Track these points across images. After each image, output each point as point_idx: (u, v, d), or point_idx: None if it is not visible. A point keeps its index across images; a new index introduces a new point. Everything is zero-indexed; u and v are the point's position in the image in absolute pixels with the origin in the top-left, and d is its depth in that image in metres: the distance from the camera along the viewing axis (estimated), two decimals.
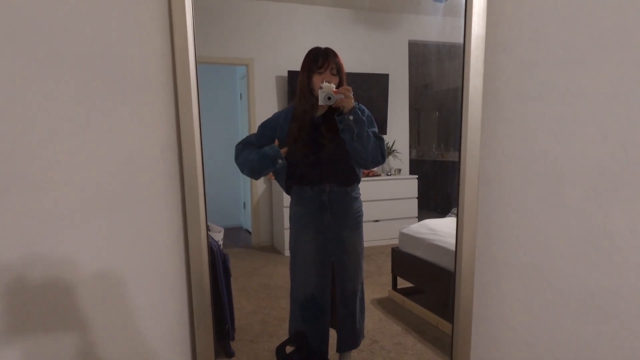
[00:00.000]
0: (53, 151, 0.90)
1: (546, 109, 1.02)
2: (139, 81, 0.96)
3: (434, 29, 1.58)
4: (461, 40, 1.10)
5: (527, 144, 1.07)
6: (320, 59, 1.30)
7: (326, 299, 1.46)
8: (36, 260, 0.91)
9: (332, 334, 1.50)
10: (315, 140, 1.35)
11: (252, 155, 1.37)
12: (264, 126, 1.39)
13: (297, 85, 1.35)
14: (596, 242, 0.96)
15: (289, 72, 1.56)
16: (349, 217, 1.43)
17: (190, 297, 1.07)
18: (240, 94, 1.67)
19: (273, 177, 1.60)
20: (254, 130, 1.58)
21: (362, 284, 1.50)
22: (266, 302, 1.61)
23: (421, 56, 1.67)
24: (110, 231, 0.97)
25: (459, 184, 1.11)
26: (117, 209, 0.97)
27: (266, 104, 1.58)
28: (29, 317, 0.92)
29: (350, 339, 1.51)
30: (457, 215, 1.14)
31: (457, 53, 1.13)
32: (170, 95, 1.00)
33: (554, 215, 1.03)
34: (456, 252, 1.15)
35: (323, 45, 1.32)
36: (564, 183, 1.01)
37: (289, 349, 1.43)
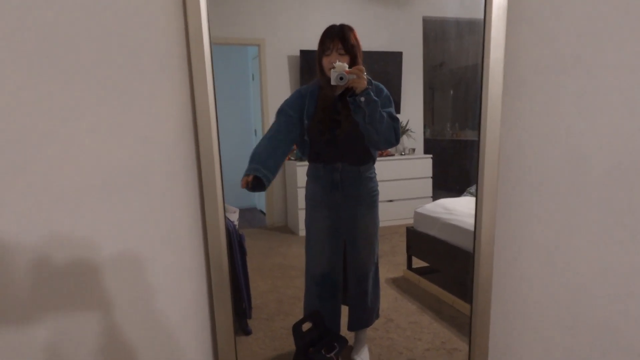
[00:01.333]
0: (71, 132, 0.90)
1: (570, 83, 0.99)
2: (154, 62, 0.96)
3: (449, 4, 1.55)
4: (478, 16, 1.07)
5: (549, 119, 1.04)
6: (327, 40, 1.28)
7: (337, 277, 1.47)
8: (59, 240, 0.92)
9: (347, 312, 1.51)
10: (331, 118, 1.35)
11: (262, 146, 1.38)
12: (298, 92, 1.40)
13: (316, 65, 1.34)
14: (620, 219, 0.95)
15: (301, 51, 1.54)
16: (362, 196, 1.42)
17: (208, 276, 1.08)
18: (253, 75, 1.66)
19: (288, 158, 1.60)
20: (267, 111, 1.58)
21: (377, 264, 1.51)
22: (281, 282, 1.63)
23: (437, 33, 1.64)
24: (129, 211, 0.98)
25: (478, 162, 1.10)
26: (136, 189, 0.98)
27: (278, 84, 1.57)
28: (54, 295, 0.94)
29: (362, 317, 1.52)
30: (476, 194, 1.12)
31: (474, 29, 1.10)
32: (185, 76, 0.99)
33: (576, 192, 1.02)
34: (475, 231, 1.14)
35: (338, 23, 1.30)
36: (587, 159, 0.99)
37: (305, 327, 1.45)
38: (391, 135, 1.35)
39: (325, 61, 1.28)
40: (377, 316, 1.55)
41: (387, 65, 1.65)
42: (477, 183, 1.11)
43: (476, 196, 1.12)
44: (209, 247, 1.04)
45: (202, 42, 0.96)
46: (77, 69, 0.89)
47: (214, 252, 1.04)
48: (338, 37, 1.28)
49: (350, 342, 1.51)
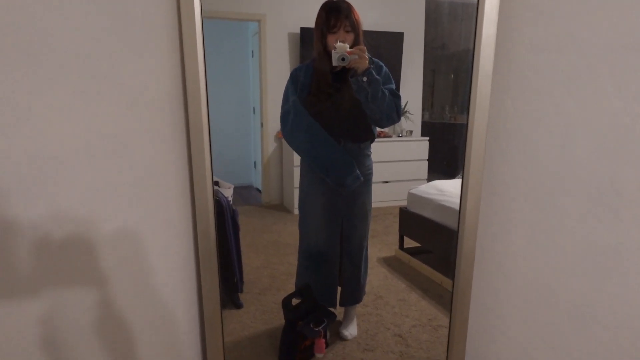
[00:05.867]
0: (56, 92, 0.90)
1: (560, 61, 0.98)
2: (145, 26, 0.95)
3: None
4: None
5: (538, 97, 1.04)
6: (333, 18, 1.27)
7: (335, 252, 1.48)
8: (37, 204, 0.93)
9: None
10: (332, 97, 1.35)
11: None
12: (295, 72, 1.39)
13: (313, 43, 1.33)
14: (604, 198, 0.95)
15: (302, 28, 1.53)
16: (361, 173, 1.43)
17: (196, 245, 1.09)
18: (252, 51, 1.66)
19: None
20: (266, 89, 1.58)
21: (367, 240, 1.52)
22: (275, 258, 1.65)
23: (439, 14, 1.63)
24: (115, 178, 0.98)
25: (466, 138, 1.10)
26: (123, 153, 0.98)
27: (278, 61, 1.57)
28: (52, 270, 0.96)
29: (354, 293, 1.54)
30: (462, 169, 1.13)
31: (474, 11, 1.09)
32: (175, 42, 0.99)
33: (561, 170, 1.01)
34: (460, 207, 1.15)
35: None
36: (573, 138, 0.98)
37: (295, 302, 1.47)
38: (393, 112, 1.35)
39: (331, 39, 1.26)
40: (364, 292, 1.57)
41: (388, 46, 1.64)
42: (464, 158, 1.11)
43: (462, 171, 1.13)
44: (197, 217, 1.05)
45: (193, 10, 0.96)
46: (62, 30, 0.89)
47: (202, 222, 1.05)
48: (344, 14, 1.26)
49: (340, 317, 1.53)
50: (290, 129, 1.38)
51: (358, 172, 1.39)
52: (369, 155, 1.45)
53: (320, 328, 1.40)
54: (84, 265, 0.99)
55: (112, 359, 1.06)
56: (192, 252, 1.11)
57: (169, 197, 1.06)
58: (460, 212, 1.15)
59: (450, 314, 1.21)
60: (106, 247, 1.00)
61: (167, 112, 1.01)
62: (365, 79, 1.25)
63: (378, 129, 1.50)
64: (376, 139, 1.46)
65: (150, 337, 1.10)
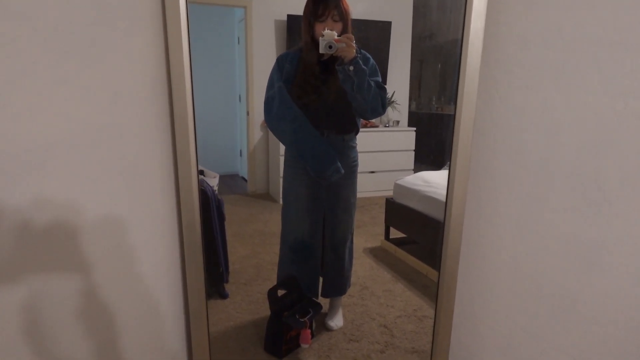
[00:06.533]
0: (36, 80, 0.87)
1: (548, 56, 0.98)
2: (128, 11, 0.92)
3: None
4: None
5: (526, 91, 1.04)
6: (321, 7, 1.25)
7: (317, 243, 1.48)
8: (24, 197, 0.91)
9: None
10: (317, 87, 1.33)
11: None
12: (281, 59, 1.36)
13: (301, 31, 1.31)
14: (587, 193, 0.96)
15: (289, 16, 1.51)
16: (344, 165, 1.43)
17: (181, 236, 1.08)
18: (238, 38, 1.63)
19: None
20: (252, 76, 1.56)
21: (352, 233, 1.52)
22: (261, 248, 1.64)
23: (427, 3, 1.62)
24: (99, 170, 0.96)
25: (453, 130, 1.10)
26: (107, 142, 0.96)
27: (265, 48, 1.55)
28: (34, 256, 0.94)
29: (337, 284, 1.54)
30: (449, 162, 1.13)
31: (463, 3, 1.08)
32: (159, 28, 0.96)
33: (547, 164, 1.02)
34: (447, 201, 1.15)
35: None
36: (560, 133, 0.99)
37: (280, 292, 1.47)
38: (378, 104, 1.35)
39: (319, 27, 1.25)
40: (350, 285, 1.57)
41: (375, 35, 1.63)
42: (451, 150, 1.11)
43: (449, 164, 1.13)
44: (182, 207, 1.04)
45: None
46: (42, 16, 0.85)
47: (187, 212, 1.04)
48: (333, 3, 1.25)
49: (326, 308, 1.53)
50: (274, 116, 1.37)
51: (339, 164, 1.39)
52: (354, 147, 1.44)
53: (306, 319, 1.40)
54: (68, 254, 0.97)
55: (96, 347, 1.05)
56: (177, 242, 1.10)
57: (154, 187, 1.04)
58: (446, 204, 1.16)
59: (436, 304, 1.22)
60: (90, 237, 0.98)
61: (151, 100, 0.99)
62: (351, 67, 1.24)
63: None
64: (363, 129, 1.45)
65: (134, 327, 1.09)
